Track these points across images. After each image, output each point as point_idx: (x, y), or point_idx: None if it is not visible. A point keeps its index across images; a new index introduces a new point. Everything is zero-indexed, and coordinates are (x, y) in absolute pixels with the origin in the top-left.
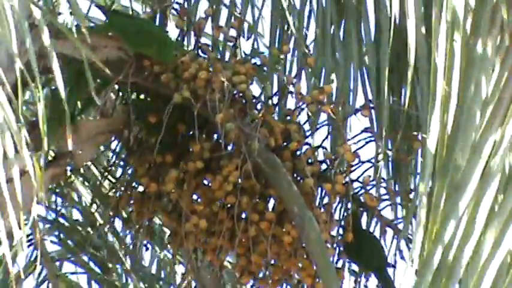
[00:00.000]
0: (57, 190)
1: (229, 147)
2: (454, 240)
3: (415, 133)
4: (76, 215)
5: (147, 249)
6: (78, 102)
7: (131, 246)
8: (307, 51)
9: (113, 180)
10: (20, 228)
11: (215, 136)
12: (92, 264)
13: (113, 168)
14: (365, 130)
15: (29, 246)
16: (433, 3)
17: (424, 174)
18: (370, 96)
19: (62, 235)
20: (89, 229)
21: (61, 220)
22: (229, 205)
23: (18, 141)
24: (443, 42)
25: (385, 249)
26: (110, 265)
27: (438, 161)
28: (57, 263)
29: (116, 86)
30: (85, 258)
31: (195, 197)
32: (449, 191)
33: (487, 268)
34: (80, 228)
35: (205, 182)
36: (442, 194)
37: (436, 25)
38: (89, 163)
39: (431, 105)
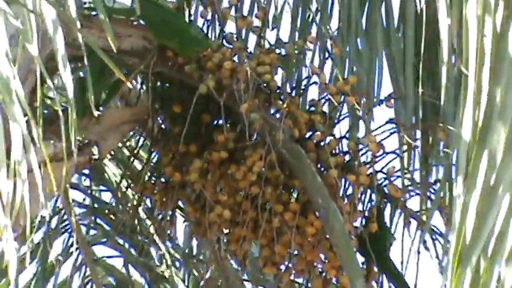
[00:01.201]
0: (89, 174)
1: (254, 138)
2: (491, 239)
3: (441, 124)
4: (108, 197)
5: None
6: (103, 92)
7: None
8: (331, 41)
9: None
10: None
11: (239, 126)
12: (127, 246)
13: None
14: (389, 121)
15: (65, 231)
16: None
17: (459, 172)
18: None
19: (97, 219)
20: (123, 212)
21: (95, 204)
22: (253, 195)
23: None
24: (474, 37)
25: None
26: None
27: (471, 159)
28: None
29: (140, 75)
30: (120, 241)
31: (219, 187)
32: (484, 191)
33: None
34: (114, 212)
35: (230, 172)
36: (474, 192)
37: (466, 20)
38: (120, 144)
39: (463, 100)
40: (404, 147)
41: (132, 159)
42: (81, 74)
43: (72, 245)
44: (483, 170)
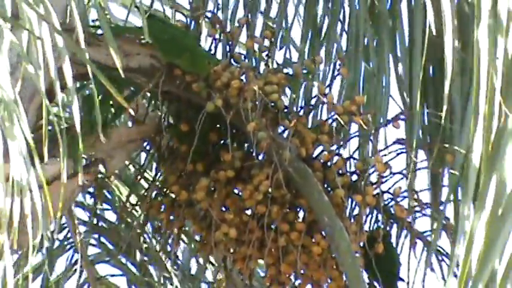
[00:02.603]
0: (94, 192)
1: (261, 157)
2: (499, 266)
3: (447, 145)
4: (112, 216)
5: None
6: (110, 110)
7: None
8: (339, 62)
9: (149, 180)
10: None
11: (246, 145)
12: (130, 265)
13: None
14: (397, 141)
15: (69, 249)
16: (474, 21)
17: (467, 194)
18: (402, 108)
19: (100, 237)
20: (127, 231)
21: (100, 223)
22: (259, 214)
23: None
24: (485, 59)
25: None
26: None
27: (482, 181)
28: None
29: (148, 93)
30: (123, 260)
31: (225, 206)
32: (493, 216)
33: None
34: (118, 230)
35: (236, 191)
36: (481, 220)
37: (477, 42)
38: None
39: (474, 122)
40: (411, 168)
41: (138, 177)
42: (88, 91)
43: (75, 263)
44: (491, 196)
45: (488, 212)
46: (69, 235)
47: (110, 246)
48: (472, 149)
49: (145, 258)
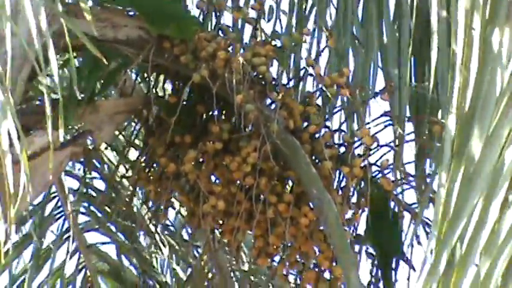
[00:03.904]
0: (83, 161)
1: (248, 129)
2: (467, 230)
3: (435, 117)
4: (101, 184)
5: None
6: (98, 82)
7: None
8: (327, 33)
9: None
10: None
11: (234, 117)
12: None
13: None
14: (384, 114)
15: (58, 218)
16: None
17: (443, 161)
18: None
19: (90, 206)
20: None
21: (89, 191)
22: (247, 186)
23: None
24: (462, 30)
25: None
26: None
27: (454, 149)
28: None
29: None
30: (113, 228)
31: (213, 178)
32: (464, 181)
33: (499, 258)
34: (107, 199)
35: (224, 163)
36: (455, 183)
37: (455, 12)
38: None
39: (450, 92)
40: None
41: (127, 147)
42: (76, 64)
43: (66, 231)
44: (464, 161)
45: (459, 178)
46: (59, 204)
47: (99, 214)
48: (448, 116)
49: (134, 225)
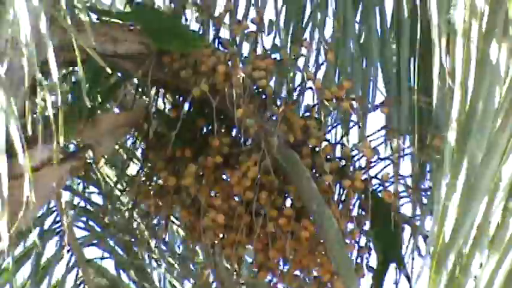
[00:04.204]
0: (82, 176)
1: (249, 143)
2: (468, 239)
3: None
4: (99, 199)
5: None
6: (98, 96)
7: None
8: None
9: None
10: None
11: (234, 131)
12: (118, 249)
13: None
14: (385, 127)
15: (57, 233)
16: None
17: (443, 175)
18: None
19: (88, 221)
20: (116, 214)
21: (87, 206)
22: (247, 200)
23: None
24: (460, 43)
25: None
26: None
27: (454, 161)
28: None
29: (136, 80)
30: (111, 243)
31: (213, 192)
32: (464, 192)
33: (499, 268)
34: (106, 213)
35: (224, 177)
36: (454, 194)
37: (453, 26)
38: (117, 147)
39: (450, 104)
40: (400, 153)
41: (127, 162)
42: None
43: (64, 247)
44: (463, 174)
45: (460, 188)
46: (57, 218)
47: (98, 229)
48: (446, 132)
49: (133, 240)
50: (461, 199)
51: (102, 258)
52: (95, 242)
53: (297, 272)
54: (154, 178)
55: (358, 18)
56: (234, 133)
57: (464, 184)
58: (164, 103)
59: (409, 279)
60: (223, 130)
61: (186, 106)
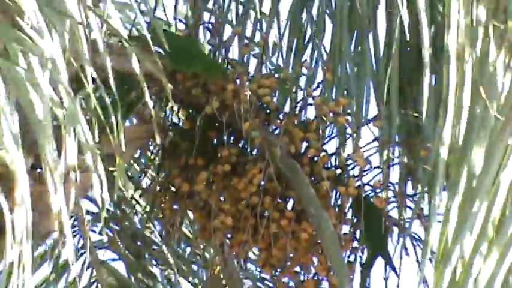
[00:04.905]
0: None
1: (254, 153)
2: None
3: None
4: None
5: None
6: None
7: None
8: (324, 67)
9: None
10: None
11: (241, 142)
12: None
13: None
14: (376, 139)
15: (75, 236)
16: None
17: (437, 182)
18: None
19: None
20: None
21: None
22: (253, 204)
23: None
24: (454, 61)
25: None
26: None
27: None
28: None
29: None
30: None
31: (222, 196)
32: (464, 200)
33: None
34: (117, 219)
35: (232, 183)
36: (453, 203)
37: (447, 46)
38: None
39: (443, 117)
40: (389, 163)
41: (143, 173)
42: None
43: (82, 248)
44: (463, 184)
45: (460, 197)
46: (75, 223)
47: (110, 234)
48: (441, 143)
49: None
50: (461, 206)
51: (114, 259)
52: (107, 245)
53: (297, 269)
54: (170, 184)
55: (353, 42)
56: (241, 144)
57: (464, 192)
58: (178, 117)
59: (396, 273)
60: (231, 141)
61: (199, 119)
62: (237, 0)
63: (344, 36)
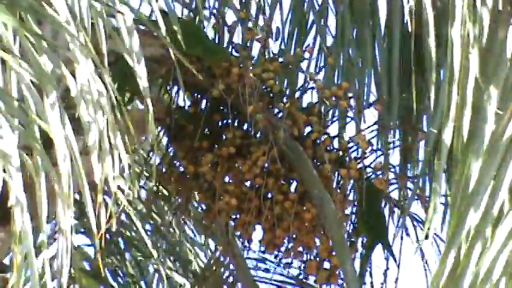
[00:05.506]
0: None
1: (258, 135)
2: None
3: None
4: None
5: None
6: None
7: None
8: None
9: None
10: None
11: (246, 125)
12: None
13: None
14: (377, 122)
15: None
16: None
17: (439, 171)
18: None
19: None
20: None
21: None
22: (257, 186)
23: None
24: (458, 52)
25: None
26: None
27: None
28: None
29: (159, 79)
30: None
31: (227, 178)
32: (464, 194)
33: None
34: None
35: (237, 165)
36: (457, 196)
37: (451, 35)
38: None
39: (447, 109)
40: (389, 145)
41: (151, 153)
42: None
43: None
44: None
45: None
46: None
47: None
48: (443, 132)
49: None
50: (462, 198)
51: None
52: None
53: (300, 249)
54: (176, 166)
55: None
56: (245, 127)
57: (464, 188)
58: (184, 100)
59: (394, 257)
60: (236, 124)
61: (204, 103)
62: None
63: (345, 22)
